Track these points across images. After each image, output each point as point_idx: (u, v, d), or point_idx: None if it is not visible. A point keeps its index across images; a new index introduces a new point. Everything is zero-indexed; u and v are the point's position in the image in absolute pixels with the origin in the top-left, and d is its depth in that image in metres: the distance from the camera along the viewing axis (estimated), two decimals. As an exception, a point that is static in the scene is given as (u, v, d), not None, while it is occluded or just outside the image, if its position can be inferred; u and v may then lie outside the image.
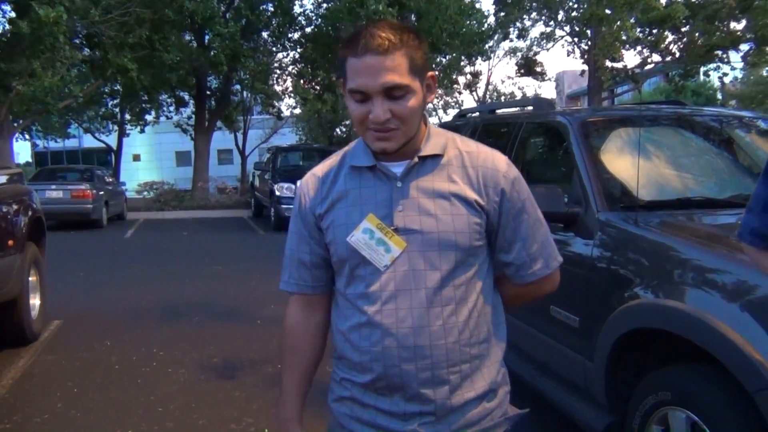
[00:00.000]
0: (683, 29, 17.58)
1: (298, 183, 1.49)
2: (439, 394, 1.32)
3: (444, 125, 5.82)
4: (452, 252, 1.32)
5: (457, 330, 1.33)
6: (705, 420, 2.04)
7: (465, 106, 32.53)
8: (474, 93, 29.88)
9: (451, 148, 1.39)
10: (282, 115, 23.73)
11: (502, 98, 33.28)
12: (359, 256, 1.33)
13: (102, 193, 14.96)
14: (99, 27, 14.53)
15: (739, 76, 23.45)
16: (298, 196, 1.45)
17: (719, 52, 17.56)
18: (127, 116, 25.44)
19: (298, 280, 1.45)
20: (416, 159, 1.35)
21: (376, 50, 1.22)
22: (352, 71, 1.25)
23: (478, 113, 5.08)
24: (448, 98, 31.70)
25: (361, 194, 1.36)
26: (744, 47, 17.70)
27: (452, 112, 31.87)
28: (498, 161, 1.39)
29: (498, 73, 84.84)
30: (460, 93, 29.09)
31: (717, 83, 23.09)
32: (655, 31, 17.57)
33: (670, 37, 18.13)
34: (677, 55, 18.23)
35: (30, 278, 5.13)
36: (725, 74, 19.34)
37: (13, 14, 13.44)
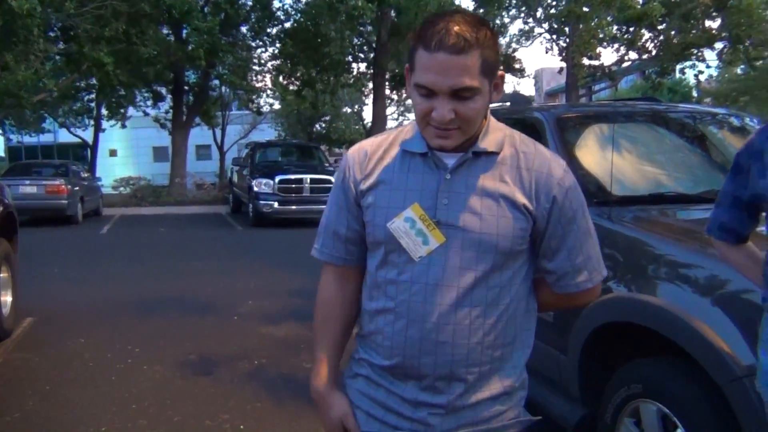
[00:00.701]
0: (659, 27, 17.78)
1: (346, 153, 1.45)
2: (453, 391, 1.31)
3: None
4: (491, 254, 1.28)
5: (483, 331, 1.30)
6: (675, 412, 2.06)
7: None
8: (453, 89, 29.93)
9: (508, 146, 1.33)
10: (261, 110, 23.59)
11: (482, 95, 33.35)
12: (396, 242, 1.30)
13: (77, 188, 14.74)
14: (74, 20, 14.34)
15: (714, 74, 23.79)
16: (343, 168, 1.41)
17: (695, 51, 17.79)
18: (104, 111, 25.11)
19: (331, 250, 1.43)
20: (470, 154, 1.30)
21: (451, 49, 1.16)
22: (422, 66, 1.20)
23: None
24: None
25: (407, 179, 1.32)
26: (719, 46, 17.96)
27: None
28: (554, 167, 1.33)
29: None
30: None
31: (693, 81, 23.39)
32: (631, 29, 17.75)
33: (647, 35, 18.34)
34: (653, 53, 18.45)
35: (1, 274, 5.04)
36: (701, 72, 19.64)
37: (-15, 6, 13.19)
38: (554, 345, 2.75)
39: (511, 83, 34.11)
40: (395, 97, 28.78)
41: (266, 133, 31.44)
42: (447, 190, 1.29)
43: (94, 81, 19.58)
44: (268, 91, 22.73)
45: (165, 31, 19.55)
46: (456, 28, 1.17)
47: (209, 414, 3.59)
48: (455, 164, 1.30)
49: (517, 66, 23.50)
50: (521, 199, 1.29)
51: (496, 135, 1.33)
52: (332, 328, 1.45)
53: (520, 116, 3.82)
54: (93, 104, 25.26)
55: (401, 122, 35.38)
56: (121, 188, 22.05)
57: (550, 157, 1.34)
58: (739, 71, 22.68)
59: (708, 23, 17.55)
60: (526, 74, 24.36)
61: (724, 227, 1.69)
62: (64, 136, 33.98)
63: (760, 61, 17.61)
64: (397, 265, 1.31)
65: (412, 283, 1.29)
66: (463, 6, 25.50)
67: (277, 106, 28.49)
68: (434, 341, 1.28)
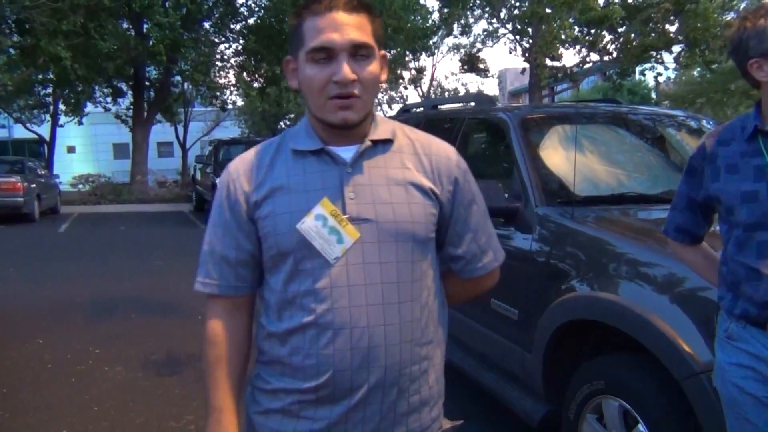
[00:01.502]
0: (620, 30, 18.12)
1: (224, 170, 1.32)
2: (386, 399, 1.23)
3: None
4: (409, 243, 1.23)
5: (411, 329, 1.24)
6: (636, 407, 2.11)
7: (410, 101, 32.74)
8: (418, 88, 30.07)
9: (401, 135, 1.32)
10: (226, 107, 23.32)
11: (446, 94, 33.58)
12: (307, 246, 1.20)
13: (34, 185, 14.33)
14: (30, 12, 13.93)
15: (672, 76, 24.33)
16: (225, 183, 1.29)
17: (654, 53, 18.18)
18: (61, 106, 24.50)
19: (219, 279, 1.28)
20: (368, 142, 1.25)
21: (344, 7, 1.17)
22: (314, 30, 1.17)
23: (421, 108, 5.12)
24: (392, 93, 31.82)
25: (306, 181, 1.23)
26: (676, 49, 18.37)
27: (397, 107, 32.00)
28: (449, 151, 1.34)
29: (442, 68, 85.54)
30: (406, 88, 29.28)
31: (652, 83, 23.90)
32: (593, 31, 18.05)
33: (608, 37, 18.66)
34: (614, 54, 18.79)
35: (-45, 274, 4.89)
36: (659, 74, 20.06)
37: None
38: (518, 342, 2.79)
39: (475, 83, 34.45)
40: (360, 95, 28.71)
41: (230, 130, 31.10)
42: (351, 184, 1.23)
43: (51, 75, 19.07)
44: (232, 88, 22.46)
45: (125, 25, 19.14)
46: None
47: (173, 415, 3.54)
48: (354, 156, 1.24)
49: (481, 66, 23.72)
50: (427, 183, 1.28)
51: (386, 125, 1.31)
52: (230, 370, 1.30)
53: (485, 116, 3.86)
54: (50, 99, 24.59)
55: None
56: (80, 186, 21.53)
57: (442, 142, 1.36)
58: (695, 74, 23.24)
59: (666, 27, 17.94)
60: (490, 74, 24.62)
61: (679, 228, 1.75)
62: (20, 132, 33.00)
63: (716, 65, 18.06)
64: (311, 273, 1.21)
65: (332, 289, 1.19)
66: (428, 5, 25.65)
67: (240, 103, 28.22)
68: (366, 348, 1.20)
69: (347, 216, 1.21)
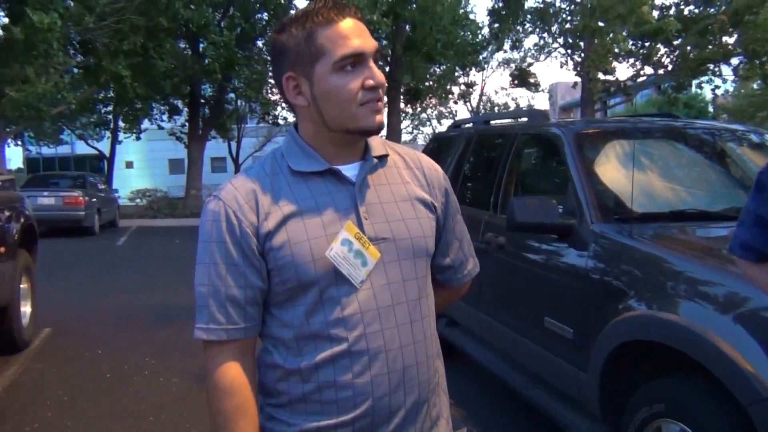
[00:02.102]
0: (675, 42, 17.74)
1: (212, 201, 1.19)
2: (420, 417, 1.21)
3: (438, 136, 5.84)
4: (424, 258, 1.23)
5: (432, 343, 1.25)
6: (698, 432, 2.04)
7: (459, 116, 32.72)
8: (468, 103, 30.04)
9: (389, 149, 1.29)
10: (278, 123, 23.76)
11: (496, 109, 33.44)
12: (333, 274, 1.14)
13: (94, 200, 14.89)
14: (93, 33, 14.55)
15: (731, 89, 23.63)
16: (224, 216, 1.15)
17: (711, 66, 17.72)
18: (121, 123, 25.42)
19: (226, 324, 1.16)
20: (374, 159, 1.22)
21: (354, 14, 1.14)
22: (338, 38, 1.11)
23: (472, 124, 5.10)
24: (442, 108, 31.85)
25: (316, 203, 1.16)
26: (735, 61, 17.87)
27: (446, 123, 32.03)
28: (434, 163, 1.34)
29: (492, 83, 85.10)
30: (455, 103, 29.27)
31: (709, 96, 23.28)
32: (647, 44, 17.73)
33: (663, 50, 18.30)
34: (669, 68, 18.39)
35: (21, 285, 5.09)
36: (717, 87, 19.53)
37: (6, 20, 13.42)
38: (573, 362, 2.73)
39: (525, 98, 34.17)
40: (410, 110, 28.87)
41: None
42: (363, 204, 1.18)
43: (111, 93, 19.82)
44: (284, 105, 22.88)
45: (182, 44, 19.78)
46: (331, 2, 1.15)
47: (226, 427, 3.59)
48: (360, 174, 1.20)
49: (531, 80, 23.54)
50: (428, 197, 1.27)
51: (376, 140, 1.26)
52: (250, 421, 1.17)
53: (538, 131, 3.83)
54: (110, 116, 25.57)
55: (415, 136, 35.46)
56: (138, 200, 22.25)
57: (423, 154, 1.36)
58: (755, 86, 22.52)
59: (724, 38, 17.48)
60: (540, 88, 24.40)
61: (746, 245, 1.68)
62: (82, 148, 34.42)
63: (776, 77, 17.49)
64: (338, 301, 1.14)
65: (363, 314, 1.14)
66: (478, 20, 25.62)
67: (291, 119, 28.71)
68: (401, 369, 1.17)
69: (367, 237, 1.17)
